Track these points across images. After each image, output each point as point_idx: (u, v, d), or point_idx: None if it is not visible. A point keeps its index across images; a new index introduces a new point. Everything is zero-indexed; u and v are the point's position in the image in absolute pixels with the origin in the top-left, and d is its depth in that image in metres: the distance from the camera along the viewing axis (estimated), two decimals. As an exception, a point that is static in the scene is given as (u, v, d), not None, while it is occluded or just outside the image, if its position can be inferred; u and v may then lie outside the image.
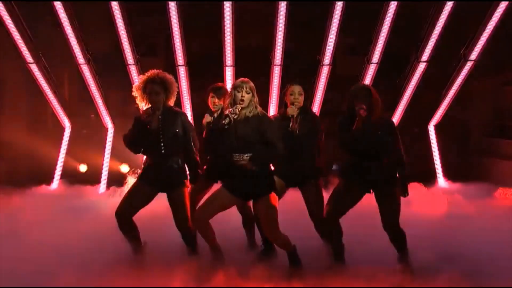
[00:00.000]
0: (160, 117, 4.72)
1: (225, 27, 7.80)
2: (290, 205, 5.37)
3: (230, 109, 4.40)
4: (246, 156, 4.29)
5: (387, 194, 4.69)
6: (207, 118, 5.22)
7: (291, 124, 5.05)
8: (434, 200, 7.63)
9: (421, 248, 5.03)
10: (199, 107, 7.90)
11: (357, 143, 4.59)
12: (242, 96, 4.40)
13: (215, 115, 5.21)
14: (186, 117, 4.95)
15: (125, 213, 4.66)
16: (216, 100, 5.29)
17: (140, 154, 5.05)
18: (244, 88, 4.40)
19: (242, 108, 4.42)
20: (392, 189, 4.68)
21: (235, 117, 4.37)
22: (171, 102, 4.88)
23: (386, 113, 8.47)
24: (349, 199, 4.82)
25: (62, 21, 8.02)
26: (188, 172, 4.87)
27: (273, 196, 4.48)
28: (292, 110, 5.05)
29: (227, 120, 4.34)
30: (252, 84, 4.51)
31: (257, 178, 4.39)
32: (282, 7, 7.58)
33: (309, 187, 5.12)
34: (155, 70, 4.85)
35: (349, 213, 4.84)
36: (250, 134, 4.36)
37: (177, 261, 4.63)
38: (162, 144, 4.64)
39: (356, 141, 4.58)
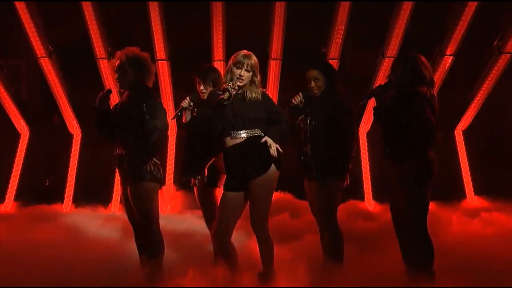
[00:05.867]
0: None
1: (214, 15, 7.44)
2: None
3: (230, 83, 4.15)
4: (243, 133, 4.10)
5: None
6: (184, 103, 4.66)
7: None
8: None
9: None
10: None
11: None
12: (240, 75, 4.15)
13: None
14: None
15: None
16: (202, 87, 4.75)
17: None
18: (244, 65, 4.16)
19: (239, 87, 4.16)
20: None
21: (234, 92, 4.11)
22: None
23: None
24: None
25: (19, 5, 7.41)
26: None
27: (272, 177, 4.13)
28: (296, 99, 4.61)
29: (226, 95, 4.06)
30: (255, 59, 4.24)
31: (253, 158, 4.10)
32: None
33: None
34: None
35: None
36: (251, 110, 4.11)
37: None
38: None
39: None
